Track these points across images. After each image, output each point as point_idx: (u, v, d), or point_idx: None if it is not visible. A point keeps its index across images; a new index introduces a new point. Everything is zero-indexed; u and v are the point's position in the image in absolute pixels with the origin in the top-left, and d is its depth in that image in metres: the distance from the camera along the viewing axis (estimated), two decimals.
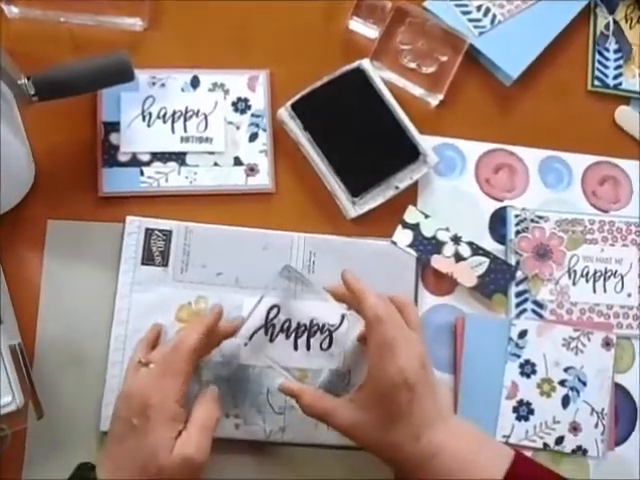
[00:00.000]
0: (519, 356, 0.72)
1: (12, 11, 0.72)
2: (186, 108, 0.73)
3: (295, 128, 0.73)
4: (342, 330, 0.68)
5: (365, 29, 0.77)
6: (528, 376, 0.72)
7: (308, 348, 0.69)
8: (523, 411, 0.71)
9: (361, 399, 0.60)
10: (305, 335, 0.69)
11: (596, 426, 0.72)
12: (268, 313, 0.68)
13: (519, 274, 0.74)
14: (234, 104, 0.74)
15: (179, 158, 0.72)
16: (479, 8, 0.79)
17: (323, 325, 0.69)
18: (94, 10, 0.73)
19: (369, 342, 0.60)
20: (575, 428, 0.72)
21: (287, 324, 0.69)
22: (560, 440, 0.71)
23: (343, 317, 0.68)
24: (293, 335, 0.69)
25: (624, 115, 0.81)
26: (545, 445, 0.71)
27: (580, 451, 0.71)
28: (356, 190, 0.72)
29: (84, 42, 0.73)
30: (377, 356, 0.59)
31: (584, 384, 0.73)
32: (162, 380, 0.58)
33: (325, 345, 0.69)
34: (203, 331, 0.60)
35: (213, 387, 0.61)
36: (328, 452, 0.68)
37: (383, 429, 0.58)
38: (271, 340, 0.68)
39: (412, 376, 0.57)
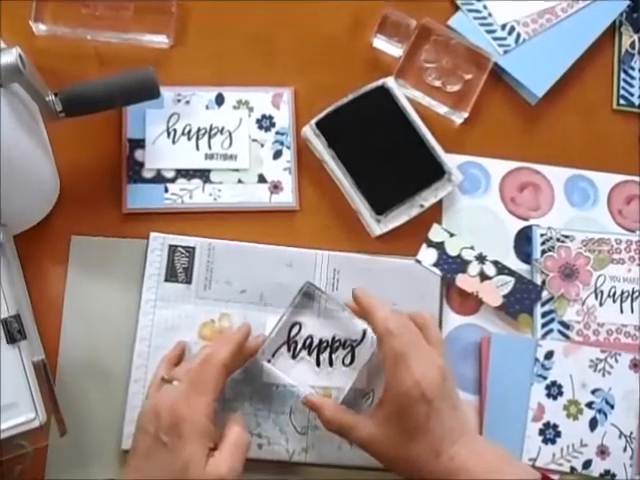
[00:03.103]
0: (545, 377, 0.71)
1: (40, 28, 0.73)
2: (211, 125, 0.73)
3: (319, 146, 0.73)
4: (364, 345, 0.68)
5: (389, 47, 0.77)
6: (555, 398, 0.71)
7: (330, 364, 0.68)
8: (550, 434, 0.70)
9: (380, 414, 0.59)
10: (327, 351, 0.68)
11: (624, 450, 0.71)
12: (290, 330, 0.68)
13: (545, 294, 0.73)
14: (258, 121, 0.74)
15: (203, 175, 0.72)
16: (503, 27, 0.79)
17: (345, 341, 0.69)
18: (120, 27, 0.74)
19: (382, 356, 0.60)
20: (603, 452, 0.70)
21: (309, 341, 0.68)
22: (588, 464, 0.70)
23: (365, 332, 0.67)
24: (315, 351, 0.68)
25: None
26: (572, 469, 0.70)
27: (608, 476, 0.70)
28: (380, 208, 0.72)
29: (110, 59, 0.74)
30: (392, 370, 0.59)
31: (612, 406, 0.71)
32: (192, 396, 0.57)
33: (347, 361, 0.68)
34: (233, 347, 0.60)
35: (239, 413, 0.61)
36: (351, 473, 0.67)
37: (402, 444, 0.58)
38: (293, 357, 0.68)
39: (429, 389, 0.57)
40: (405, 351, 0.58)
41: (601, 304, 0.74)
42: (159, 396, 0.59)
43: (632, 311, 0.74)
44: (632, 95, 0.81)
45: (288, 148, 0.74)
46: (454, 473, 0.57)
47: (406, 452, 0.58)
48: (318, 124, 0.73)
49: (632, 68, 0.82)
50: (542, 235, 0.75)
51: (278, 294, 0.69)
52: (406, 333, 0.60)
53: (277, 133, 0.74)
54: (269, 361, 0.67)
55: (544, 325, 0.73)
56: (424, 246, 0.73)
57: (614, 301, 0.74)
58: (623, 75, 0.82)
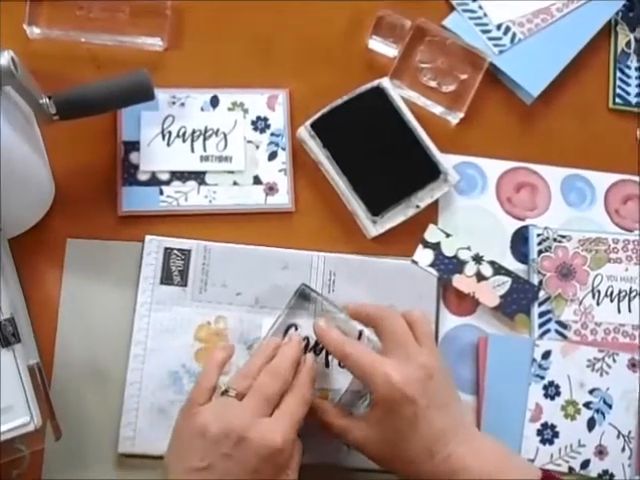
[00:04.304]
0: (543, 377, 0.71)
1: (34, 31, 0.73)
2: (205, 127, 0.73)
3: (315, 147, 0.73)
4: None
5: (385, 48, 0.77)
6: (552, 398, 0.71)
7: (327, 365, 0.68)
8: (547, 434, 0.70)
9: (373, 417, 0.59)
10: (323, 353, 0.68)
11: (623, 450, 0.70)
12: (286, 332, 0.68)
13: (542, 294, 0.73)
14: (253, 123, 0.74)
15: (198, 177, 0.72)
16: (499, 27, 0.79)
17: None
18: (115, 30, 0.73)
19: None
20: (601, 452, 0.70)
21: (305, 342, 0.68)
22: (586, 464, 0.70)
23: (361, 333, 0.67)
24: (311, 353, 0.68)
25: None
26: (570, 469, 0.70)
27: (607, 476, 0.70)
28: (376, 209, 0.72)
29: (105, 62, 0.74)
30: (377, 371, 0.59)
31: (610, 406, 0.71)
32: (277, 420, 0.56)
33: None
34: (297, 358, 0.60)
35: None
36: (349, 474, 0.67)
37: (396, 446, 0.58)
38: None
39: (412, 389, 0.57)
40: (387, 352, 0.59)
41: (598, 304, 0.74)
42: (227, 413, 0.55)
43: (629, 310, 0.74)
44: (628, 94, 0.81)
45: (283, 149, 0.74)
46: (453, 473, 0.56)
47: (401, 454, 0.58)
48: (313, 125, 0.73)
49: (628, 67, 0.82)
50: (539, 235, 0.75)
51: (274, 296, 0.69)
52: (391, 334, 0.61)
53: (272, 134, 0.74)
54: None
55: (541, 325, 0.73)
56: (420, 247, 0.73)
57: (611, 300, 0.74)
58: (619, 74, 0.81)
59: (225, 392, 0.57)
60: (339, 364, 0.67)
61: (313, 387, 0.60)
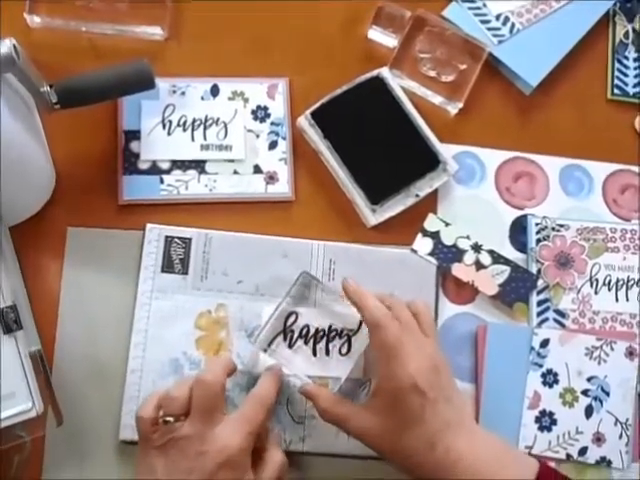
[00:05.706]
0: (541, 365, 0.71)
1: (34, 21, 0.73)
2: (206, 116, 0.73)
3: (315, 136, 0.73)
4: (360, 334, 0.68)
5: (384, 38, 0.77)
6: (550, 386, 0.71)
7: (327, 353, 0.68)
8: (546, 421, 0.70)
9: (374, 406, 0.59)
10: (324, 340, 0.68)
11: (620, 437, 0.71)
12: (286, 320, 0.68)
13: (540, 283, 0.74)
14: (254, 112, 0.74)
15: (199, 166, 0.72)
16: (498, 17, 0.79)
17: (341, 330, 0.69)
18: (115, 20, 0.74)
19: (372, 348, 0.60)
20: (599, 439, 0.71)
21: (305, 330, 0.68)
22: (584, 451, 0.70)
23: (361, 322, 0.67)
24: (312, 341, 0.68)
25: None
26: (568, 456, 0.70)
27: (604, 462, 0.70)
28: (376, 198, 0.72)
29: (105, 51, 0.74)
30: (383, 362, 0.59)
31: (607, 394, 0.71)
32: (223, 429, 0.57)
33: (344, 350, 0.68)
34: (268, 409, 0.60)
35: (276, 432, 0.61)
36: (349, 462, 0.68)
37: (397, 436, 0.58)
38: (290, 346, 0.68)
39: (422, 380, 0.57)
40: (395, 342, 0.58)
41: (596, 292, 0.74)
42: (178, 448, 0.56)
43: (627, 299, 0.74)
44: (626, 85, 0.81)
45: (283, 139, 0.74)
46: (451, 466, 0.56)
47: (401, 444, 0.58)
48: (313, 114, 0.73)
49: (626, 58, 0.82)
50: (537, 224, 0.75)
51: (274, 284, 0.69)
52: (395, 323, 0.60)
53: (272, 124, 0.74)
54: (265, 351, 0.67)
55: (540, 314, 0.73)
56: (419, 236, 0.74)
57: (609, 289, 0.74)
58: (617, 65, 0.82)
59: (166, 422, 0.57)
60: (339, 352, 0.68)
61: (274, 393, 0.62)
